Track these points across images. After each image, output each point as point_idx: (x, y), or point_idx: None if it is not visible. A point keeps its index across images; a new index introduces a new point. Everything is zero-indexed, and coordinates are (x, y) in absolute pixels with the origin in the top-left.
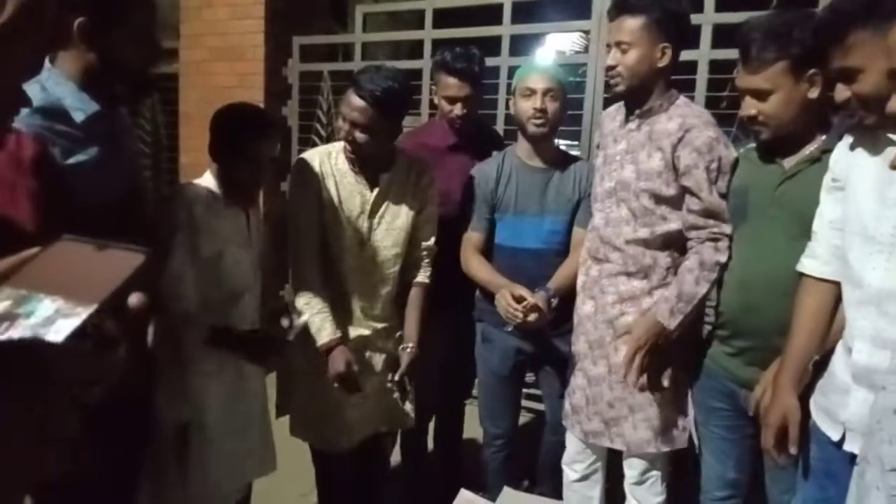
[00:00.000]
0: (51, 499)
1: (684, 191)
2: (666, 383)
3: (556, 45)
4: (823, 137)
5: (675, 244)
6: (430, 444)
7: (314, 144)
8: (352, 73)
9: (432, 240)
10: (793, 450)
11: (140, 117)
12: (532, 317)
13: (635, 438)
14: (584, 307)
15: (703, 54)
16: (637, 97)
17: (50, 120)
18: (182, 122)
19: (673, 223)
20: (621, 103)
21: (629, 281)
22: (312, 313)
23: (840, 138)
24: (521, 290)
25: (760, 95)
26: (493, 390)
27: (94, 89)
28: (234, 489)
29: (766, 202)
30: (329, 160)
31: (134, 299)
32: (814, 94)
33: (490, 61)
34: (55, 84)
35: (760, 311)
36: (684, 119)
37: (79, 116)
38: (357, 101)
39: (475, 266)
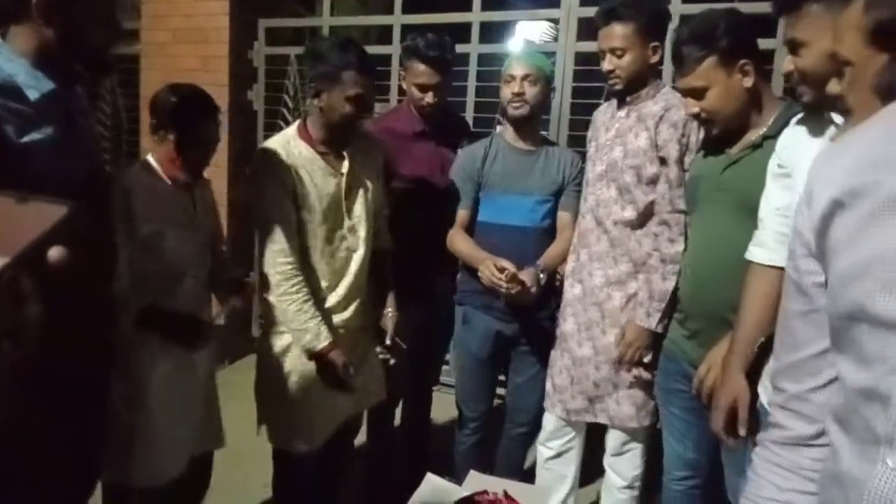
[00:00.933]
0: (12, 486)
1: (662, 163)
2: (642, 373)
3: (527, 34)
4: (769, 124)
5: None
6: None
7: (280, 129)
8: None
9: (385, 210)
10: (742, 431)
11: (100, 100)
12: (515, 288)
13: (619, 413)
14: (572, 290)
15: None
16: (632, 91)
17: (2, 97)
18: (143, 106)
19: (651, 195)
20: (611, 101)
21: (616, 265)
22: (307, 318)
23: (785, 125)
24: (503, 262)
25: (698, 94)
26: (472, 373)
27: (50, 67)
28: (178, 464)
29: (713, 188)
30: (292, 149)
31: (54, 252)
32: (748, 83)
33: (459, 48)
34: (7, 60)
35: (710, 293)
36: (667, 101)
37: (33, 94)
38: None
39: (459, 242)
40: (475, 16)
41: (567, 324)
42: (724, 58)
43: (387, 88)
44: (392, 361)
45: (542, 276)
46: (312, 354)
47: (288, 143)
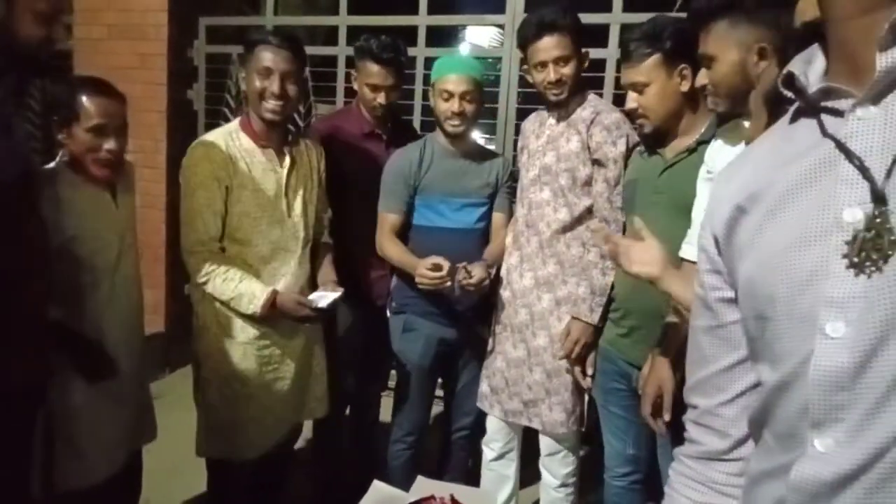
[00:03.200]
0: None
1: (595, 165)
2: (590, 371)
3: (474, 38)
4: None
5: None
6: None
7: None
8: None
9: (329, 211)
10: (667, 416)
11: (29, 97)
12: (464, 278)
13: (550, 419)
14: (504, 292)
15: (611, 53)
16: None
17: None
18: None
19: (587, 200)
20: (539, 111)
21: (544, 266)
22: (236, 283)
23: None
24: (434, 259)
25: (639, 88)
26: (413, 383)
27: None
28: (108, 464)
29: (650, 190)
30: (232, 141)
31: None
32: (685, 87)
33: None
34: None
35: (646, 291)
36: (595, 106)
37: None
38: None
39: (390, 248)
40: (422, 19)
41: (499, 326)
42: (666, 58)
43: (332, 90)
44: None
45: (490, 270)
46: (262, 316)
47: (230, 134)
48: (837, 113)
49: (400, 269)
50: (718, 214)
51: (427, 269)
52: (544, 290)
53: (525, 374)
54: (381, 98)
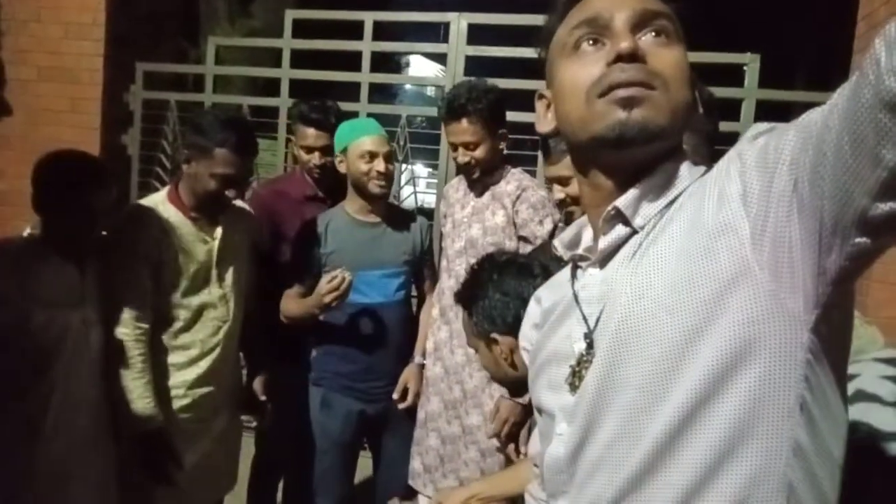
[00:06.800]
0: None
1: (522, 241)
2: (524, 449)
3: (417, 70)
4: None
5: None
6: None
7: (157, 176)
8: (201, 105)
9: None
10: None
11: None
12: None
13: None
14: (434, 368)
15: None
16: (485, 174)
17: None
18: (1, 146)
19: None
20: (461, 176)
21: None
22: (142, 391)
23: None
24: (326, 281)
25: (564, 181)
26: (333, 460)
27: None
28: None
29: None
30: (161, 213)
31: None
32: None
33: (349, 106)
34: None
35: None
36: (520, 182)
37: None
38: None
39: (289, 305)
40: (364, 76)
41: (432, 403)
42: None
43: (274, 139)
44: (256, 424)
45: (423, 365)
46: (142, 433)
47: (157, 206)
48: (581, 269)
49: (319, 339)
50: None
51: (325, 285)
52: (475, 367)
53: (461, 451)
54: (315, 158)
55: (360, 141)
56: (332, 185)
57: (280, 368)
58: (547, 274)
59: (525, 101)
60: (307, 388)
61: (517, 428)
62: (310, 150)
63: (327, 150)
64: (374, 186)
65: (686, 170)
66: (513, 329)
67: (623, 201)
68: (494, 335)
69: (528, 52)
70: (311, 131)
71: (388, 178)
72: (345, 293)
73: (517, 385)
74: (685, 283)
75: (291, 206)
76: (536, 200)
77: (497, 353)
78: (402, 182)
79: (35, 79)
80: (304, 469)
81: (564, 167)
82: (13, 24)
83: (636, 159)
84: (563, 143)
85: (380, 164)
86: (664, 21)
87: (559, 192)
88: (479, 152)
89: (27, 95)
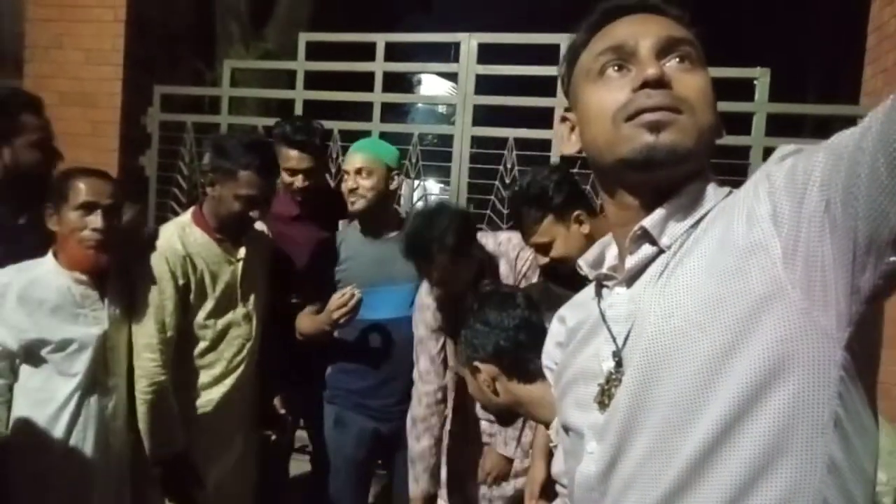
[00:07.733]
0: None
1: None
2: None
3: (429, 90)
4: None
5: None
6: None
7: (174, 197)
8: (217, 126)
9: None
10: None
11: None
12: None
13: None
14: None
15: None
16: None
17: None
18: None
19: None
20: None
21: None
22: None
23: None
24: (336, 298)
25: (544, 248)
26: (347, 478)
27: None
28: None
29: None
30: (188, 236)
31: None
32: (585, 229)
33: (362, 126)
34: None
35: None
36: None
37: None
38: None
39: (303, 322)
40: (377, 96)
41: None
42: (559, 214)
43: None
44: (274, 437)
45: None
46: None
47: (183, 229)
48: (607, 288)
49: (332, 356)
50: (550, 346)
51: (335, 301)
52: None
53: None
54: (298, 181)
55: (345, 163)
56: (319, 205)
57: (298, 387)
58: (531, 305)
59: (534, 119)
60: (322, 405)
61: (500, 480)
62: (292, 172)
63: (310, 173)
64: (349, 203)
65: (712, 191)
66: (494, 357)
67: (650, 221)
68: (476, 363)
69: (537, 70)
70: (293, 153)
71: (356, 193)
72: (354, 310)
73: (503, 412)
74: (717, 301)
75: (280, 227)
76: (511, 253)
77: (480, 380)
78: (415, 199)
79: (57, 103)
80: (318, 487)
81: (542, 234)
82: (36, 51)
83: (663, 180)
84: (534, 213)
85: (349, 181)
86: (687, 47)
87: (543, 259)
88: (463, 275)
89: (50, 120)
